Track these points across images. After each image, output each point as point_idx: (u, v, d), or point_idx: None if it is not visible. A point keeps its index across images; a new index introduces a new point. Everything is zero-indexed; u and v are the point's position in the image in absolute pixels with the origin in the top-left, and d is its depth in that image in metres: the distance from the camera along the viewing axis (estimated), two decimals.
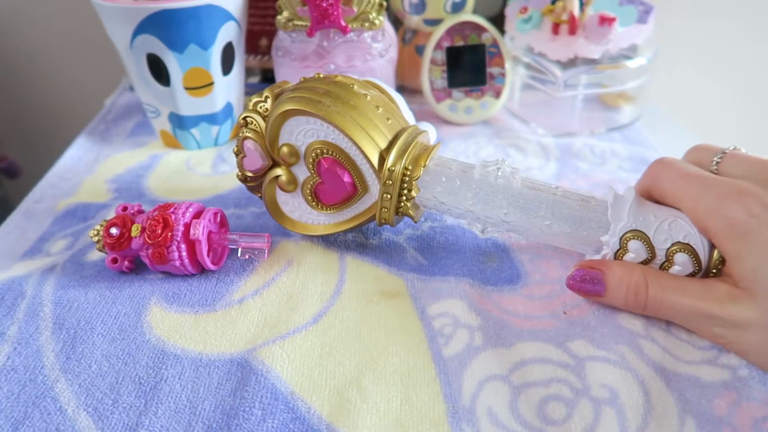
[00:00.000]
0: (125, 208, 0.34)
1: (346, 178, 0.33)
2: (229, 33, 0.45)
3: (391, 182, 0.32)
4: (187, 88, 0.46)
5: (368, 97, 0.33)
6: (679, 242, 0.28)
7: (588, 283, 0.30)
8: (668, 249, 0.28)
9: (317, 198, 0.34)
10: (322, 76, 0.34)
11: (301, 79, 0.35)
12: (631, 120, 0.54)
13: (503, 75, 0.52)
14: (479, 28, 0.51)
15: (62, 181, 0.45)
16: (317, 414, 0.25)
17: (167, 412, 0.25)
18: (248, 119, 0.33)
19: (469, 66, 0.52)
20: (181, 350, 0.29)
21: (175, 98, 0.46)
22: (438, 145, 0.34)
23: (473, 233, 0.37)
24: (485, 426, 0.25)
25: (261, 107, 0.33)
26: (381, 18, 0.45)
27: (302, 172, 0.34)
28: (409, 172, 0.32)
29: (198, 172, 0.46)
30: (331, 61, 0.47)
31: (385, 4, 0.45)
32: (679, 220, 0.28)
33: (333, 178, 0.33)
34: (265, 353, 0.28)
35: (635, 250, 0.28)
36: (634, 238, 0.28)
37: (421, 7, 0.54)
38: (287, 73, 0.48)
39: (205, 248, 0.32)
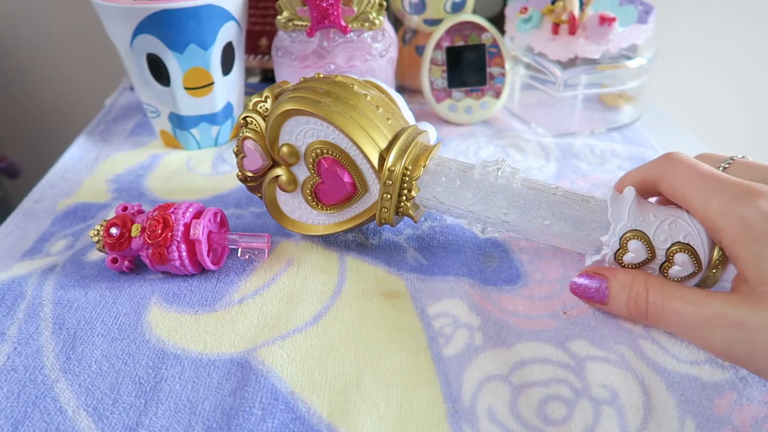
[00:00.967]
0: (125, 208, 0.34)
1: (346, 178, 0.33)
2: (229, 33, 0.45)
3: (391, 182, 0.32)
4: (187, 88, 0.46)
5: (368, 97, 0.33)
6: (679, 242, 0.28)
7: (591, 288, 0.29)
8: (668, 249, 0.28)
9: (317, 198, 0.34)
10: (322, 76, 0.34)
11: (301, 79, 0.35)
12: (631, 120, 0.54)
13: (503, 75, 0.52)
14: (479, 28, 0.51)
15: (62, 181, 0.45)
16: (317, 414, 0.25)
17: (167, 412, 0.25)
18: (248, 119, 0.33)
19: (469, 66, 0.52)
20: (181, 350, 0.29)
21: (175, 98, 0.46)
22: (438, 145, 0.34)
23: (473, 233, 0.37)
24: (485, 426, 0.25)
25: (261, 107, 0.33)
26: (381, 18, 0.45)
27: (302, 172, 0.34)
28: (409, 172, 0.32)
29: (198, 172, 0.46)
30: (331, 61, 0.47)
31: (385, 4, 0.45)
32: (679, 220, 0.28)
33: (333, 178, 0.33)
34: (265, 353, 0.28)
35: (635, 250, 0.28)
36: (634, 238, 0.28)
37: (421, 7, 0.53)
38: (287, 73, 0.48)
39: (205, 248, 0.32)
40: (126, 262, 0.33)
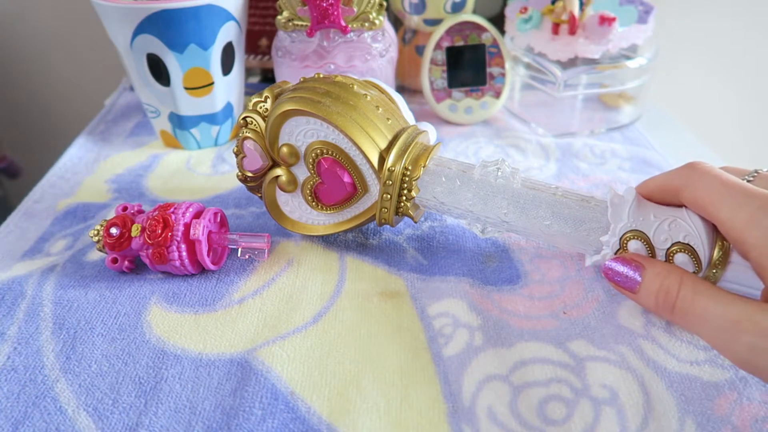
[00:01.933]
0: (125, 208, 0.34)
1: (346, 178, 0.33)
2: (229, 33, 0.45)
3: (391, 182, 0.32)
4: (187, 88, 0.46)
5: (368, 97, 0.33)
6: (679, 242, 0.28)
7: (625, 275, 0.28)
8: (668, 249, 0.28)
9: (317, 198, 0.34)
10: (322, 76, 0.34)
11: (301, 79, 0.35)
12: (631, 120, 0.54)
13: (503, 75, 0.52)
14: (479, 28, 0.51)
15: (62, 181, 0.45)
16: (317, 414, 0.25)
17: (167, 412, 0.25)
18: (248, 119, 0.33)
19: (469, 66, 0.52)
20: (181, 350, 0.29)
21: (175, 98, 0.46)
22: (438, 145, 0.34)
23: (473, 233, 0.37)
24: (485, 426, 0.25)
25: (261, 107, 0.33)
26: (381, 18, 0.45)
27: (302, 173, 0.34)
28: (408, 172, 0.32)
29: (198, 172, 0.46)
30: (331, 61, 0.47)
31: (385, 4, 0.45)
32: (678, 220, 0.28)
33: (333, 178, 0.33)
34: (265, 353, 0.28)
35: (635, 250, 0.28)
36: (634, 238, 0.28)
37: (421, 7, 0.53)
38: (287, 73, 0.48)
39: (205, 248, 0.32)
40: (126, 262, 0.33)
